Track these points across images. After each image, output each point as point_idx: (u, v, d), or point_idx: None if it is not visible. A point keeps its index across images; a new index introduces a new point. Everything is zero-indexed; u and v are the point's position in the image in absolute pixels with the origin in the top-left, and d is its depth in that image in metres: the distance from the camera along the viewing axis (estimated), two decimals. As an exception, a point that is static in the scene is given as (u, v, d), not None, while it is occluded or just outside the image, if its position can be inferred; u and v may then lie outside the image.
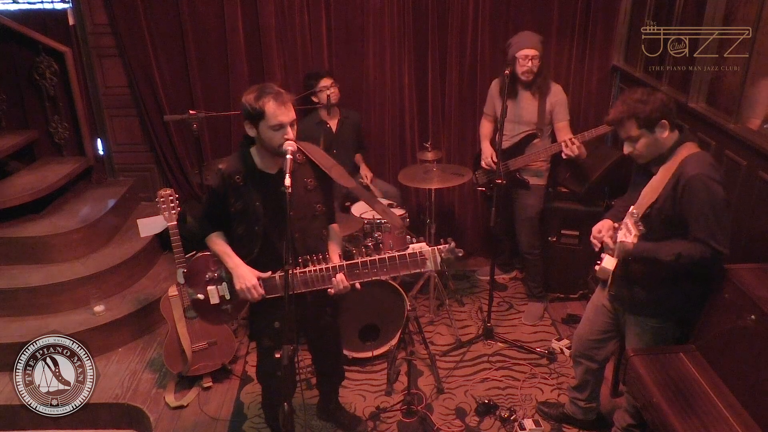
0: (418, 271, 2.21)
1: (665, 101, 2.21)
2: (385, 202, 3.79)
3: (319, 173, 2.39)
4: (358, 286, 2.30)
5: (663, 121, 2.19)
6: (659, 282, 2.32)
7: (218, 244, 2.40)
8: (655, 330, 2.43)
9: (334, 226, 2.54)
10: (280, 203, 2.10)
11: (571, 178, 3.86)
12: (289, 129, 2.19)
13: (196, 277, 2.45)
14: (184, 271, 2.50)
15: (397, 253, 2.18)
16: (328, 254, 2.37)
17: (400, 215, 3.60)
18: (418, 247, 2.18)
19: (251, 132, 2.25)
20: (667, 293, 2.34)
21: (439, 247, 2.18)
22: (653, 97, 2.20)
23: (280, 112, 2.17)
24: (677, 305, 2.37)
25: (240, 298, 2.38)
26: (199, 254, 2.48)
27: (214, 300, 2.45)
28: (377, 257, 2.21)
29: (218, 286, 2.43)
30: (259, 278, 2.32)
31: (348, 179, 2.46)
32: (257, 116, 2.19)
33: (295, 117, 2.23)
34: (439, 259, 2.17)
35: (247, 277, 2.31)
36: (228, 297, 2.44)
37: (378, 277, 2.25)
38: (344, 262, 2.27)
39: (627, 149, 2.29)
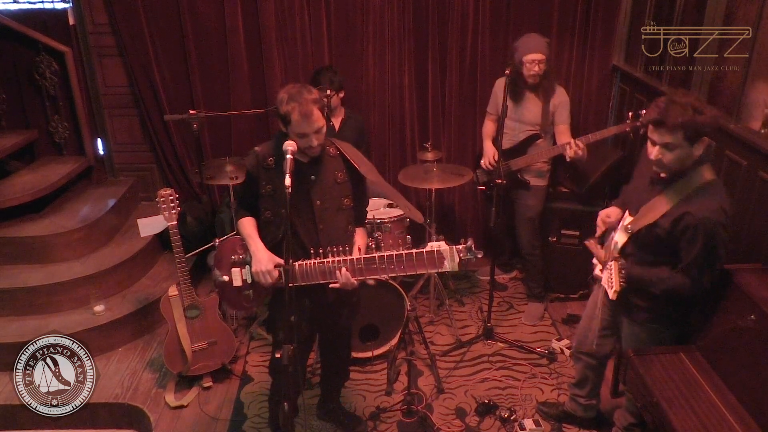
0: (435, 270, 2.16)
1: (718, 118, 2.08)
2: (384, 202, 3.80)
3: (351, 168, 2.41)
4: (371, 282, 2.29)
5: (706, 138, 2.09)
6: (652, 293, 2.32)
7: (246, 227, 2.44)
8: (651, 331, 2.43)
9: (361, 229, 2.54)
10: (307, 191, 2.19)
11: (571, 178, 3.86)
12: (312, 137, 2.24)
13: (223, 260, 2.50)
14: (215, 253, 2.57)
15: (415, 251, 2.15)
16: (348, 247, 2.37)
17: (400, 215, 3.59)
18: (437, 245, 2.13)
19: (283, 128, 2.30)
20: (662, 301, 2.33)
21: (457, 246, 2.13)
22: (708, 109, 2.05)
23: (304, 124, 2.21)
24: (673, 311, 2.37)
25: (258, 282, 2.41)
26: (229, 237, 2.54)
27: (237, 282, 2.48)
28: (395, 253, 2.18)
29: (242, 269, 2.47)
30: (278, 264, 2.34)
31: (376, 175, 2.48)
32: (285, 120, 2.25)
33: (321, 125, 2.25)
34: (457, 259, 2.12)
35: (264, 261, 2.34)
36: (249, 281, 2.46)
37: (394, 274, 2.21)
38: (362, 256, 2.26)
39: (656, 154, 2.13)
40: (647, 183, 2.31)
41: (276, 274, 2.35)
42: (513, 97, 3.42)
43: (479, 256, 2.13)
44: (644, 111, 3.02)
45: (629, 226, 2.26)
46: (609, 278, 2.26)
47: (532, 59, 3.35)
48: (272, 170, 2.36)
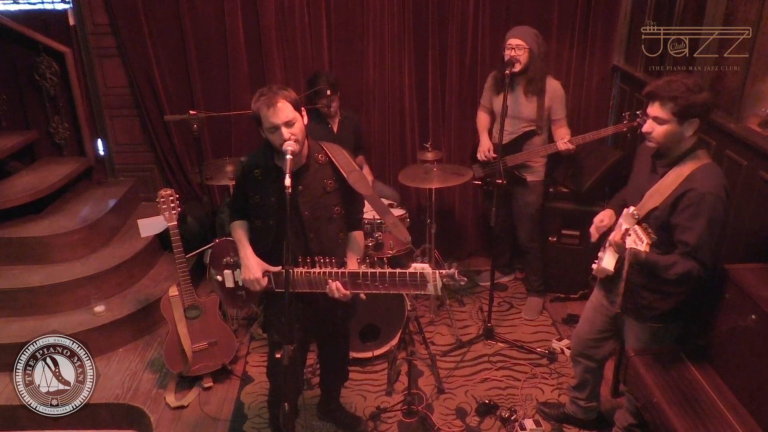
0: (417, 292, 2.17)
1: (709, 102, 2.14)
2: (384, 202, 3.79)
3: (340, 176, 2.36)
4: (362, 296, 2.29)
5: (697, 119, 2.14)
6: (658, 288, 2.31)
7: (237, 232, 2.45)
8: (654, 331, 2.43)
9: (358, 233, 2.52)
10: (293, 201, 2.17)
11: (572, 178, 3.86)
12: (283, 129, 2.16)
13: (218, 260, 2.53)
14: (211, 252, 2.60)
15: (398, 270, 2.16)
16: (342, 260, 2.35)
17: (400, 215, 3.60)
18: (420, 267, 2.14)
19: (261, 132, 2.26)
20: (666, 298, 2.34)
21: (441, 271, 2.13)
22: (703, 92, 2.13)
23: (270, 114, 2.16)
24: (676, 309, 2.36)
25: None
26: (225, 238, 2.55)
27: (229, 284, 2.51)
28: (378, 270, 2.19)
29: (234, 271, 2.49)
30: (266, 271, 2.35)
31: (365, 186, 2.41)
32: (256, 120, 2.22)
33: (291, 117, 2.17)
34: (440, 284, 2.13)
35: (252, 268, 2.34)
36: (241, 284, 2.47)
37: (378, 291, 2.21)
38: (346, 270, 2.25)
39: (647, 128, 2.22)
40: (648, 172, 2.34)
41: (265, 282, 2.35)
42: (503, 89, 3.37)
43: (462, 283, 2.13)
44: (640, 111, 3.06)
45: (635, 213, 2.25)
46: (636, 239, 2.21)
47: (509, 44, 3.38)
48: (259, 182, 2.34)
